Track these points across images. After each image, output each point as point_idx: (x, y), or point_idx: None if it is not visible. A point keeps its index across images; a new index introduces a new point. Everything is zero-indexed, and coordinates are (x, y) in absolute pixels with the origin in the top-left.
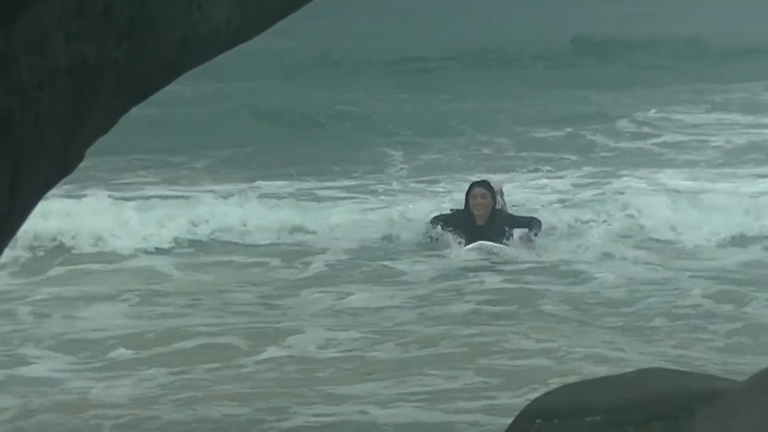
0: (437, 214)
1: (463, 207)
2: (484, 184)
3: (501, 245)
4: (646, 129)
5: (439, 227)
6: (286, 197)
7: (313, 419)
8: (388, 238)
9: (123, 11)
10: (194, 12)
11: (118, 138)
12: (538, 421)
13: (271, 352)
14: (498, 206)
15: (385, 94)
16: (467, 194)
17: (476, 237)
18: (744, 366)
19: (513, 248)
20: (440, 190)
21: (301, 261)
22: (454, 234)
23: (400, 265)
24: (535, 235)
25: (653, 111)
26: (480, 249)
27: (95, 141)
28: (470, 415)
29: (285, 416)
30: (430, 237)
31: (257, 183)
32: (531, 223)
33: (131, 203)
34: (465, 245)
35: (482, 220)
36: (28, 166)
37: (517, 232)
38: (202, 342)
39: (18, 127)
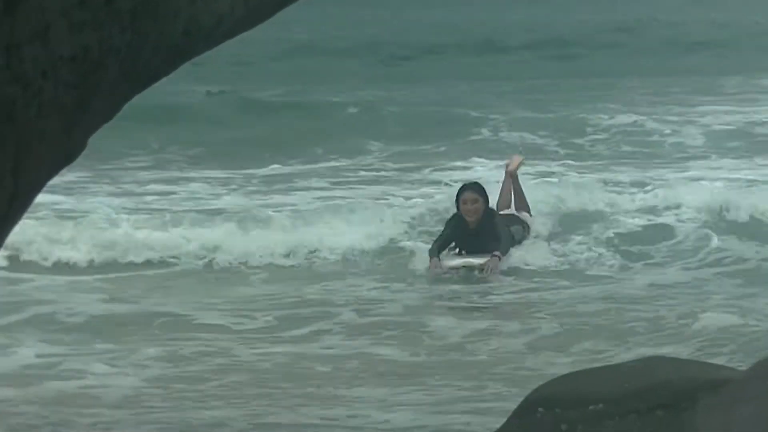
0: (435, 239)
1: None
2: (474, 187)
3: (482, 260)
4: (647, 119)
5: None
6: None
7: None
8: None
9: (126, 1)
10: (197, 1)
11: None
12: (540, 410)
13: (276, 347)
14: (509, 194)
15: (375, 81)
16: (457, 198)
17: (468, 242)
18: None
19: (495, 260)
20: (420, 177)
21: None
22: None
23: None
24: (498, 257)
25: (654, 100)
26: (462, 265)
27: (98, 129)
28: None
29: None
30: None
31: (248, 170)
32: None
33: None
34: (454, 253)
35: (474, 224)
36: (31, 154)
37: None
38: (204, 338)
39: (21, 115)
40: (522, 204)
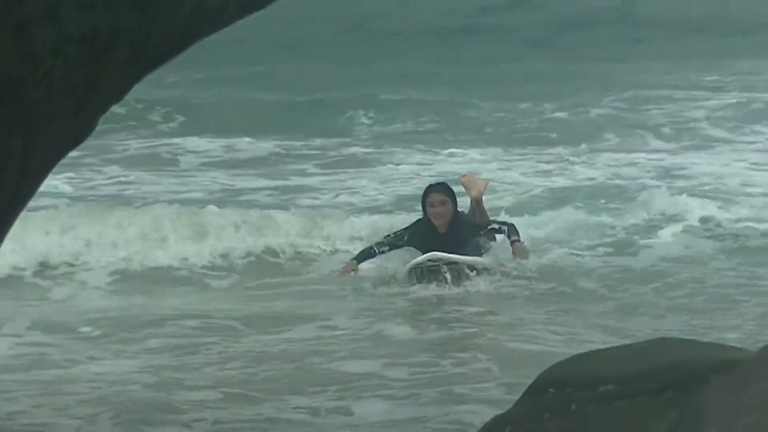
0: (387, 235)
1: (422, 214)
2: (442, 188)
3: (461, 256)
4: (638, 106)
5: (384, 250)
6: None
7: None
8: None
9: None
10: None
11: None
12: (551, 390)
13: (267, 334)
14: (477, 204)
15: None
16: (424, 199)
17: (438, 248)
18: None
19: (476, 257)
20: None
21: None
22: (407, 248)
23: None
24: (516, 240)
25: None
26: (434, 258)
27: (108, 109)
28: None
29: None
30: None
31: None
32: (504, 229)
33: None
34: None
35: (444, 227)
36: (40, 134)
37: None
38: (201, 321)
39: (31, 95)
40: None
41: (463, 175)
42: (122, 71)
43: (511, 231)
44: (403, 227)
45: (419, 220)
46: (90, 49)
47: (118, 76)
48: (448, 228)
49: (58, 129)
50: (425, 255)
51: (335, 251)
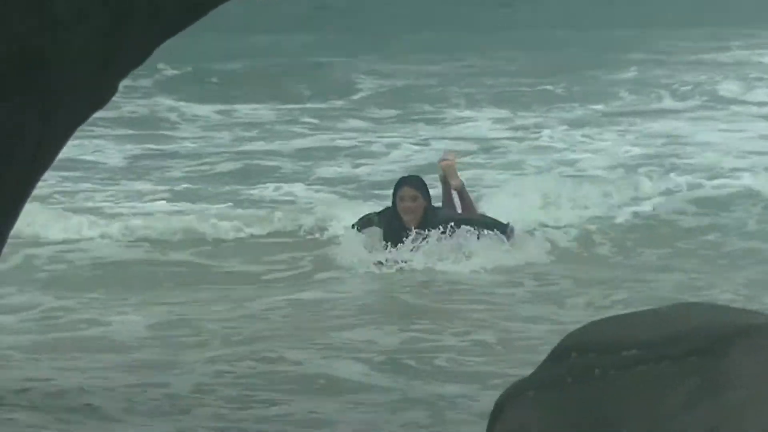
0: (365, 215)
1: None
2: (414, 182)
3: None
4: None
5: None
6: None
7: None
8: None
9: None
10: None
11: None
12: (573, 354)
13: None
14: (455, 190)
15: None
16: (395, 193)
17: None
18: None
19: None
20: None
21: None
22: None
23: None
24: (506, 236)
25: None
26: (387, 262)
27: (128, 74)
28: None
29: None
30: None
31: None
32: (486, 224)
33: None
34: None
35: (413, 223)
36: (61, 99)
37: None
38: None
39: (52, 60)
40: None
41: (442, 160)
42: (141, 37)
43: (500, 227)
44: (375, 212)
45: (387, 208)
46: (109, 16)
47: (137, 41)
48: (419, 224)
49: (80, 93)
50: (373, 257)
51: (340, 225)
